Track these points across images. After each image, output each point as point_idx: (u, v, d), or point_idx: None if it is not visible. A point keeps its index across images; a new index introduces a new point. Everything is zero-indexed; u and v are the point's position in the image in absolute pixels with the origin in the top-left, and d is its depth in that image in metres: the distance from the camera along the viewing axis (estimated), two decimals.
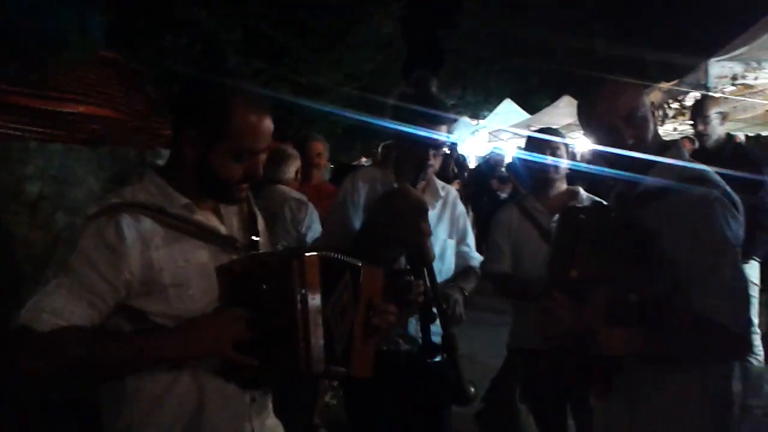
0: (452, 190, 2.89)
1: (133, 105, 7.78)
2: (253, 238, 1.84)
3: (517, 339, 3.06)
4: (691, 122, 4.69)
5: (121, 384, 1.62)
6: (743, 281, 1.77)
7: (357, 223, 2.62)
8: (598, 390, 1.81)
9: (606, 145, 1.98)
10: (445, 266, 2.71)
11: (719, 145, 4.59)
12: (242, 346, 1.59)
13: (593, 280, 1.74)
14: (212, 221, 1.75)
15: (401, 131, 2.62)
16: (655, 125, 2.02)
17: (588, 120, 2.05)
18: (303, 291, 1.56)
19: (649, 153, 1.94)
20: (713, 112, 4.47)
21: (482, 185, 8.99)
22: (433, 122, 2.57)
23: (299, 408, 3.99)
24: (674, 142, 2.04)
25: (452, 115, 2.77)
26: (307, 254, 1.59)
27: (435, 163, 2.65)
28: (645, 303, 1.71)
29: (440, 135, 2.59)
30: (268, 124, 1.68)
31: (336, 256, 1.68)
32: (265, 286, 1.61)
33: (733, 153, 4.56)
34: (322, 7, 9.04)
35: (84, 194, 7.26)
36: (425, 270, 2.42)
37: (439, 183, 2.81)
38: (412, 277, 2.40)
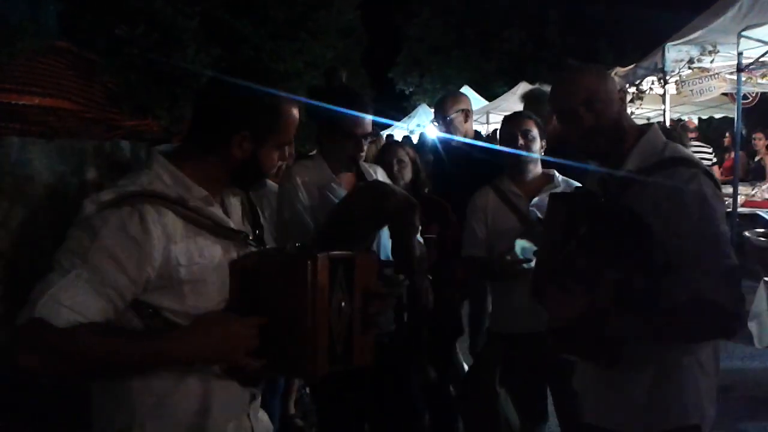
0: (380, 171, 2.94)
1: (90, 96, 7.57)
2: (258, 233, 1.82)
3: (498, 323, 3.08)
4: (436, 123, 4.42)
5: (124, 382, 1.57)
6: (733, 259, 1.79)
7: (307, 218, 2.64)
8: (607, 361, 1.83)
9: (566, 129, 1.99)
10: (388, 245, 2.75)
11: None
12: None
13: (592, 266, 1.75)
14: (222, 215, 1.71)
15: (328, 126, 2.69)
16: (623, 110, 2.01)
17: (551, 103, 2.07)
18: (314, 293, 1.55)
19: (616, 139, 1.94)
20: (453, 112, 4.11)
21: None
22: (358, 111, 2.63)
23: (275, 398, 3.97)
24: (650, 125, 2.05)
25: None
26: (319, 255, 1.57)
27: (365, 152, 2.74)
28: (648, 285, 1.73)
29: (366, 123, 2.66)
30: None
31: (336, 253, 1.66)
32: (276, 286, 1.59)
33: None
34: None
35: (42, 189, 7.07)
36: (409, 263, 2.43)
37: (367, 166, 2.87)
38: (394, 271, 2.41)
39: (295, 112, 1.73)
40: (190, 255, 1.59)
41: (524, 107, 3.52)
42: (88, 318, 1.43)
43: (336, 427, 2.70)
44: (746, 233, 5.15)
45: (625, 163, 1.93)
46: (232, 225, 1.72)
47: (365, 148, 2.72)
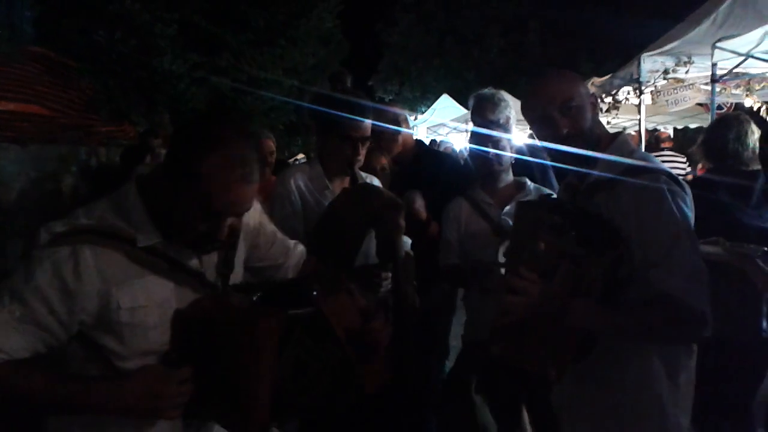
0: (375, 179, 2.93)
1: (66, 101, 7.52)
2: (224, 271, 1.74)
3: (473, 331, 3.08)
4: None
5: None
6: (700, 261, 1.79)
7: (299, 224, 2.63)
8: (555, 374, 1.80)
9: (543, 135, 1.99)
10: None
11: None
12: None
13: (550, 251, 1.76)
14: (183, 253, 1.63)
15: (327, 129, 2.65)
16: (596, 116, 2.02)
17: (526, 110, 2.07)
18: (257, 356, 1.48)
19: (591, 144, 1.95)
20: None
21: None
22: (359, 119, 2.60)
23: None
24: (620, 133, 2.06)
25: (374, 105, 2.82)
26: (266, 318, 1.49)
27: (362, 156, 2.70)
28: (609, 285, 1.74)
29: (364, 127, 2.64)
30: (245, 188, 1.51)
31: (296, 311, 1.56)
32: (219, 340, 1.53)
33: None
34: (260, 0, 8.92)
35: (15, 194, 7.00)
36: (393, 265, 2.43)
37: (363, 175, 2.85)
38: (380, 271, 2.41)
39: (233, 184, 1.48)
40: (134, 297, 1.55)
41: (473, 111, 3.54)
42: (13, 356, 1.47)
43: None
44: None
45: (595, 169, 1.95)
46: (192, 264, 1.64)
47: (363, 152, 2.70)
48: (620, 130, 11.68)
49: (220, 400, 1.54)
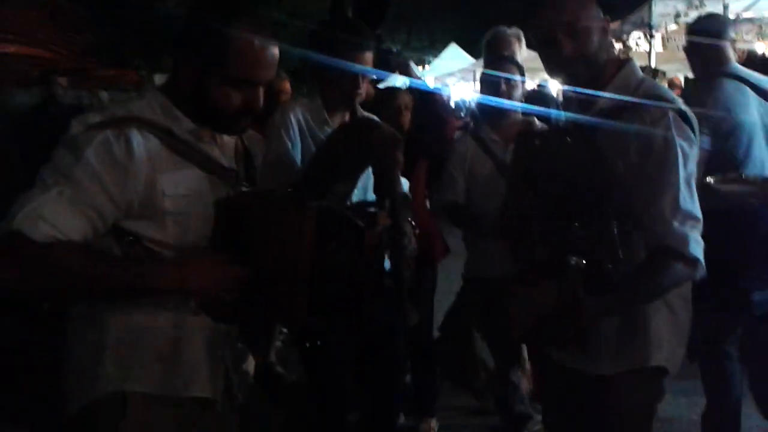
0: (374, 117, 2.83)
1: (68, 46, 7.45)
2: (249, 173, 1.78)
3: (473, 268, 3.09)
4: None
5: (95, 311, 1.56)
6: (694, 202, 1.76)
7: (295, 158, 2.57)
8: (578, 348, 1.81)
9: (546, 56, 1.93)
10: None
11: None
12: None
13: (554, 204, 1.74)
14: (214, 151, 1.67)
15: (326, 62, 2.54)
16: (604, 40, 1.93)
17: (531, 30, 2.01)
18: (298, 239, 1.52)
19: (596, 69, 1.89)
20: None
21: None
22: (358, 49, 2.51)
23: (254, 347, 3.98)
24: (628, 60, 2.00)
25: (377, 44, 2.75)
26: (308, 204, 1.56)
27: (363, 90, 2.62)
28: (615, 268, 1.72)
29: (366, 60, 2.54)
30: (271, 53, 1.60)
31: (338, 209, 1.66)
32: (263, 228, 1.56)
33: None
34: None
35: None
36: (390, 201, 2.40)
37: (365, 113, 2.79)
38: (378, 210, 2.38)
39: (257, 46, 1.57)
40: (176, 186, 1.56)
41: (486, 46, 3.49)
42: (67, 236, 1.42)
43: (320, 376, 2.70)
44: (709, 179, 5.11)
45: (599, 99, 1.88)
46: (223, 162, 1.68)
47: (364, 86, 2.61)
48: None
49: (262, 290, 1.56)
